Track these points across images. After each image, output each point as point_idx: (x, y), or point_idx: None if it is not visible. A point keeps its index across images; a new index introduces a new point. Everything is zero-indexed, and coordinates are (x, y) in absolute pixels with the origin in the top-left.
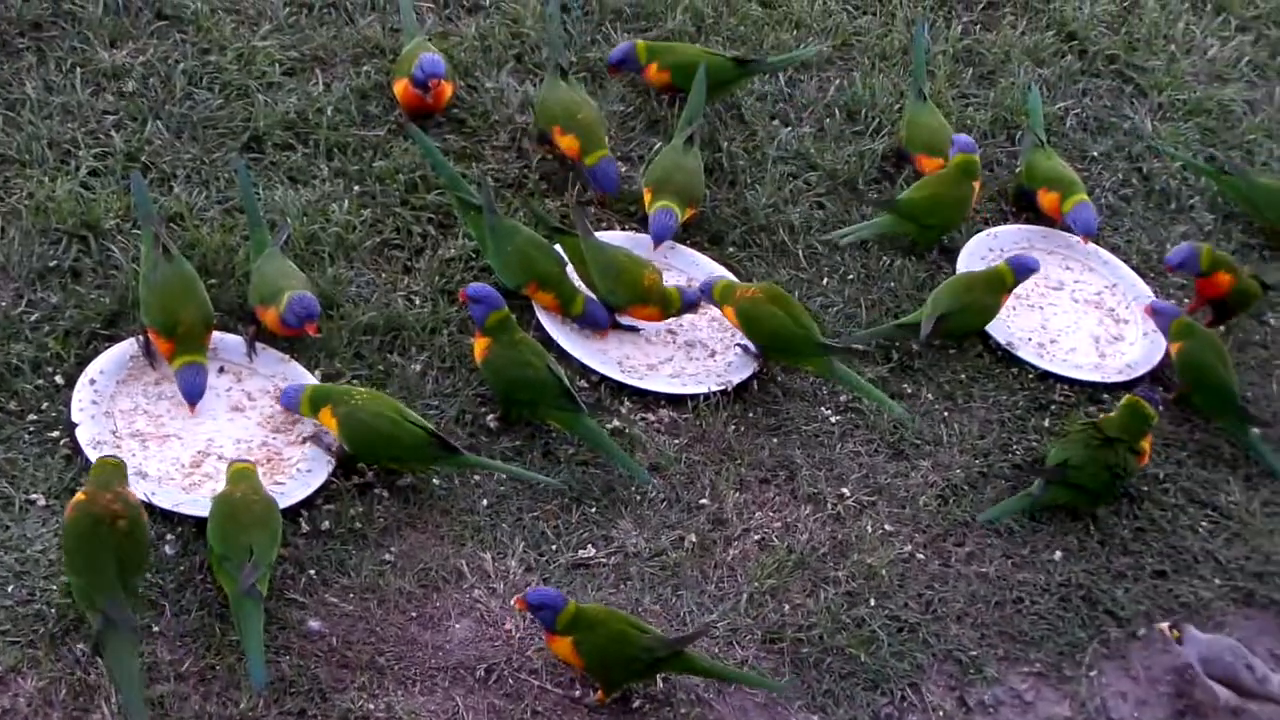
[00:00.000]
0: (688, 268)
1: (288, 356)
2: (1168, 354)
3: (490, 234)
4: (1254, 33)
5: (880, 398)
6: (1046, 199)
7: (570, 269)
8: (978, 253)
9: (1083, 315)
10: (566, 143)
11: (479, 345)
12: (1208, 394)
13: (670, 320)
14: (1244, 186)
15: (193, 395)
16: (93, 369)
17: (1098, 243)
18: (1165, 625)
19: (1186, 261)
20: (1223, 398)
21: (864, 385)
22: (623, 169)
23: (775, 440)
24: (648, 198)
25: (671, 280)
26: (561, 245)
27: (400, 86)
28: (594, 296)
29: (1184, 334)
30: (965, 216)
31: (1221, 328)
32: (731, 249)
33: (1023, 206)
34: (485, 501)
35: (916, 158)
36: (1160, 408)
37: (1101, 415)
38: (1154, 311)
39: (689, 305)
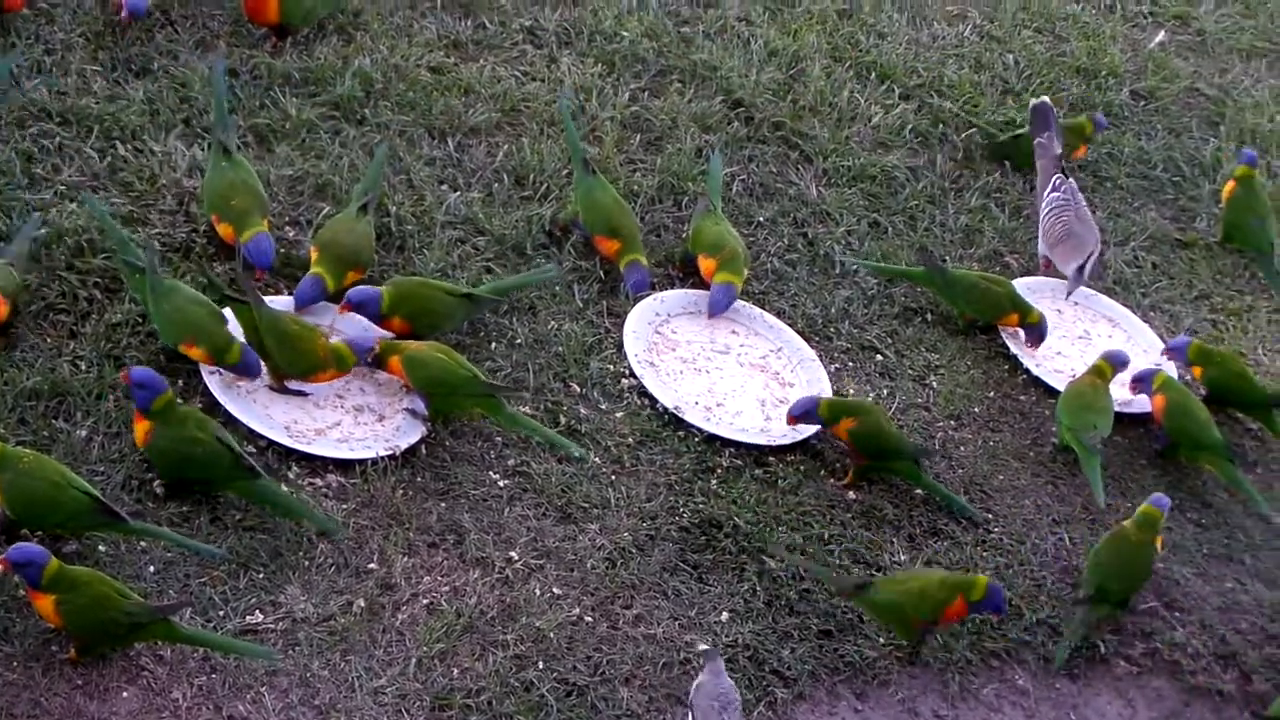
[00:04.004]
0: (357, 333)
1: None
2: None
3: (151, 294)
4: (916, 101)
5: (553, 437)
6: (704, 264)
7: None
8: (644, 317)
9: (749, 379)
10: (224, 230)
11: (140, 428)
12: (882, 462)
13: (342, 379)
14: (941, 281)
15: None
16: None
17: (763, 307)
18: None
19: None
20: (900, 454)
21: (535, 426)
22: (291, 234)
23: (444, 504)
24: (313, 255)
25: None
26: (234, 313)
27: None
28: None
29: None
30: None
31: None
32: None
33: (689, 271)
34: (152, 568)
35: (595, 239)
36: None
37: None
38: None
39: (364, 352)
